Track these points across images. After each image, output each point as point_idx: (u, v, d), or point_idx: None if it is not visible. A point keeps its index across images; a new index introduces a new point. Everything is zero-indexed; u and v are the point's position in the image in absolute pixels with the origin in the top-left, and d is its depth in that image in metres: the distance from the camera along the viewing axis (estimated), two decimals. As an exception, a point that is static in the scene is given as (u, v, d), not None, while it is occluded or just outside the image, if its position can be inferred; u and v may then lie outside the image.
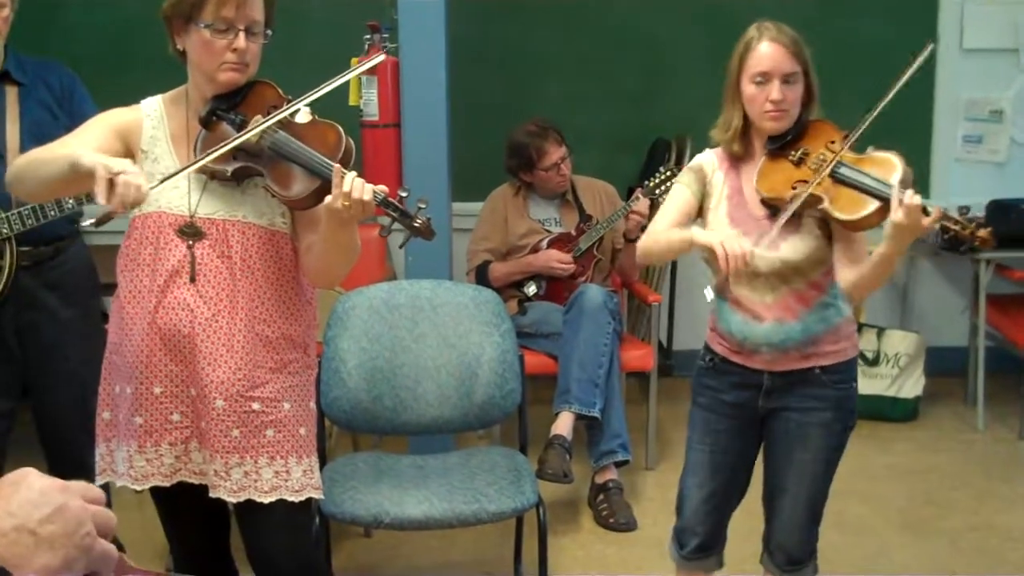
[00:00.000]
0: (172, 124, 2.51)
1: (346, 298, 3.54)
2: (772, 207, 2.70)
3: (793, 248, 2.68)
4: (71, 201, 3.22)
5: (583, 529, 4.21)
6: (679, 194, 2.84)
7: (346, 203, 2.25)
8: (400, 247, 2.59)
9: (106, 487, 3.38)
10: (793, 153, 2.70)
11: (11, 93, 3.30)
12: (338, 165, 2.31)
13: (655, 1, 5.56)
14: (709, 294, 2.74)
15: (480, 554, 3.97)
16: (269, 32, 2.48)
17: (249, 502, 2.49)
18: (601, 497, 4.27)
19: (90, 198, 3.21)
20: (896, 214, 2.47)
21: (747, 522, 3.05)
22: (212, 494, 2.50)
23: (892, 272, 2.66)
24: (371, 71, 4.47)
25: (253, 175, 2.45)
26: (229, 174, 2.41)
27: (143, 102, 2.56)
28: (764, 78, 2.68)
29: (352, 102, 4.61)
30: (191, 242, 2.42)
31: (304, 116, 2.45)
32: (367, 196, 2.27)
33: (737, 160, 2.81)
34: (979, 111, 5.83)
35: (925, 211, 2.49)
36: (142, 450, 2.49)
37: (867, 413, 5.28)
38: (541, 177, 4.76)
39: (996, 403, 5.34)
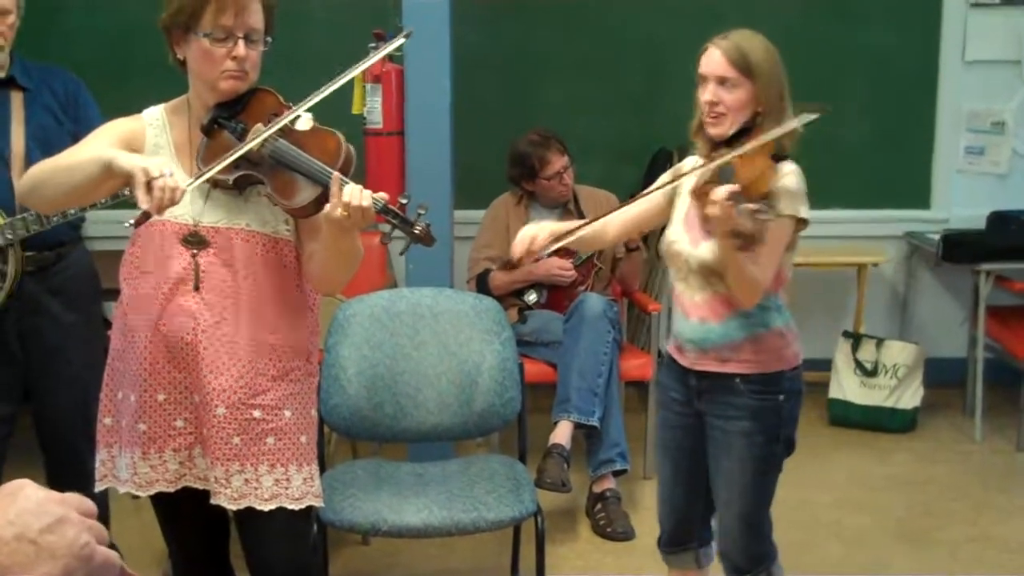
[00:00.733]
0: (174, 133, 2.52)
1: (347, 305, 3.55)
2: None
3: (709, 248, 2.72)
4: (74, 208, 3.23)
5: (581, 538, 4.22)
6: (652, 192, 2.94)
7: (345, 212, 2.27)
8: (400, 254, 2.60)
9: (105, 493, 3.40)
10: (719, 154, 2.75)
11: (16, 98, 3.31)
12: (337, 173, 2.32)
13: (658, 10, 5.57)
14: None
15: (478, 562, 3.97)
16: (269, 39, 2.48)
17: (249, 509, 2.50)
18: (599, 506, 4.27)
19: (93, 204, 3.23)
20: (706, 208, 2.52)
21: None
22: (213, 501, 2.51)
23: (732, 272, 2.63)
24: (375, 79, 4.49)
25: (255, 183, 2.45)
26: (231, 183, 2.42)
27: (145, 112, 2.57)
28: (702, 80, 2.78)
29: (356, 110, 4.62)
30: (195, 251, 2.43)
31: (305, 123, 2.45)
32: (366, 203, 2.28)
33: (706, 160, 2.84)
34: (981, 122, 5.83)
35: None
36: (146, 457, 2.49)
37: (865, 424, 5.31)
38: (543, 186, 4.77)
39: (994, 415, 5.35)
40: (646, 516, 4.29)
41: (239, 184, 2.44)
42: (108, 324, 5.21)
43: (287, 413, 2.53)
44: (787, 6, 5.58)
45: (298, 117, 2.43)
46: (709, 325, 2.80)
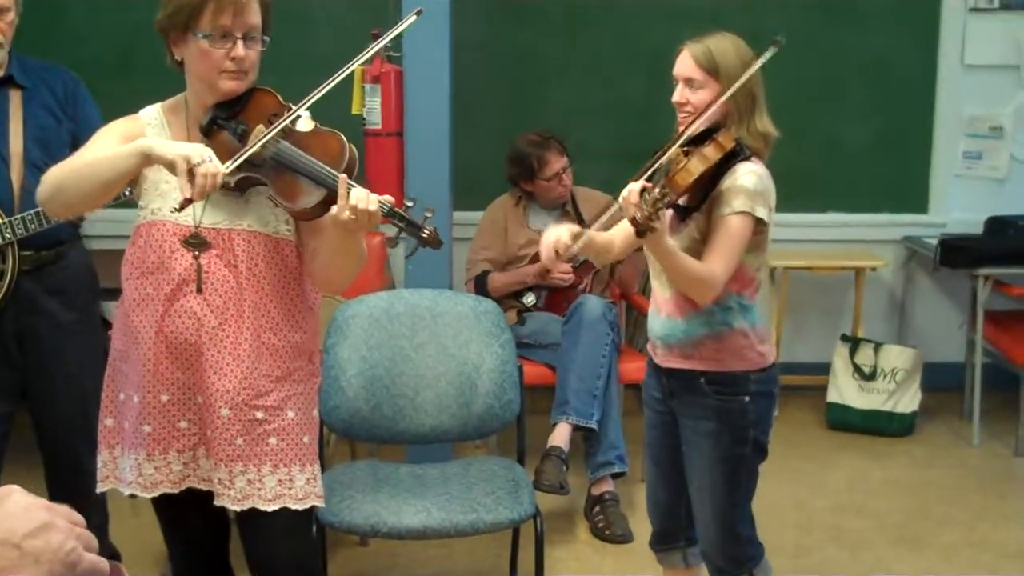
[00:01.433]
0: (173, 132, 2.51)
1: (346, 307, 3.54)
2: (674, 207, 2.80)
3: (674, 245, 2.72)
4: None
5: (579, 540, 4.21)
6: None
7: (352, 215, 2.28)
8: (407, 257, 2.60)
9: (104, 495, 3.39)
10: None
11: (15, 97, 3.30)
12: (343, 176, 2.32)
13: (660, 13, 5.57)
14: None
15: (476, 564, 3.97)
16: (267, 39, 2.47)
17: (252, 509, 2.49)
18: (597, 508, 4.27)
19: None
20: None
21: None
22: (217, 502, 2.50)
23: (672, 271, 2.70)
24: (375, 80, 4.48)
25: (256, 185, 2.45)
26: (232, 184, 2.41)
27: (142, 112, 2.56)
28: (675, 80, 2.85)
29: (355, 111, 4.61)
30: (197, 252, 2.42)
31: (306, 124, 2.45)
32: (373, 207, 2.29)
33: None
34: (979, 127, 5.84)
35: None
36: (151, 458, 2.49)
37: (863, 427, 5.31)
38: (542, 187, 4.77)
39: (992, 419, 5.35)
40: (644, 519, 4.24)
41: (241, 186, 2.43)
42: (107, 324, 5.22)
43: (290, 414, 2.52)
44: (788, 10, 5.58)
45: (299, 117, 2.43)
46: (674, 321, 2.86)
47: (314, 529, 2.94)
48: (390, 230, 2.44)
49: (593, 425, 4.23)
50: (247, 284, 2.45)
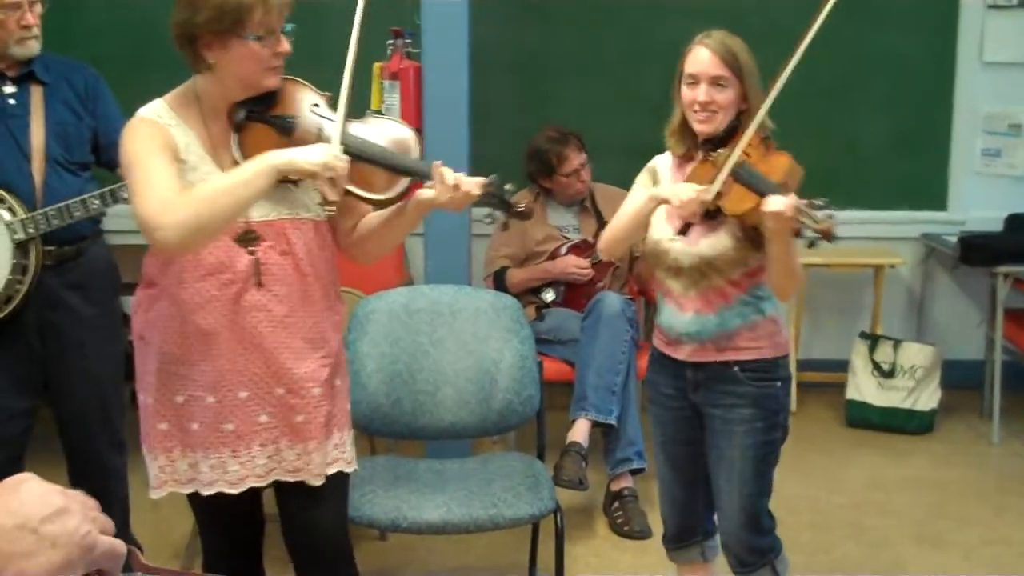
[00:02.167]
0: (193, 129, 2.47)
1: (366, 302, 3.55)
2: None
3: (710, 245, 2.79)
4: (96, 201, 3.24)
5: (598, 536, 4.21)
6: (636, 195, 3.00)
7: (452, 195, 2.38)
8: (503, 228, 2.72)
9: (126, 495, 3.41)
10: (719, 154, 2.80)
11: (36, 93, 3.32)
12: (438, 162, 2.41)
13: (676, 10, 5.55)
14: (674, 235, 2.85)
15: (495, 559, 3.97)
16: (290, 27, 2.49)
17: (300, 483, 2.56)
18: (616, 504, 4.27)
19: (115, 199, 3.24)
20: (767, 222, 2.59)
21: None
22: (312, 482, 2.55)
23: (787, 269, 2.71)
24: (393, 76, 4.49)
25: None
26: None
27: (149, 113, 2.45)
28: (693, 80, 2.82)
29: (374, 106, 4.63)
30: (251, 248, 2.43)
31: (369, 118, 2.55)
32: (476, 191, 2.42)
33: (684, 160, 2.95)
34: (998, 125, 5.81)
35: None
36: (236, 455, 2.50)
37: (883, 425, 5.30)
38: (561, 183, 4.77)
39: (1012, 417, 5.33)
40: (663, 515, 4.30)
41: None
42: (127, 319, 5.25)
43: (337, 381, 2.61)
44: (805, 7, 5.55)
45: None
46: (705, 317, 2.84)
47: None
48: (485, 210, 2.52)
49: (612, 421, 4.23)
50: (306, 269, 2.49)
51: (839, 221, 2.58)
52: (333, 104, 2.49)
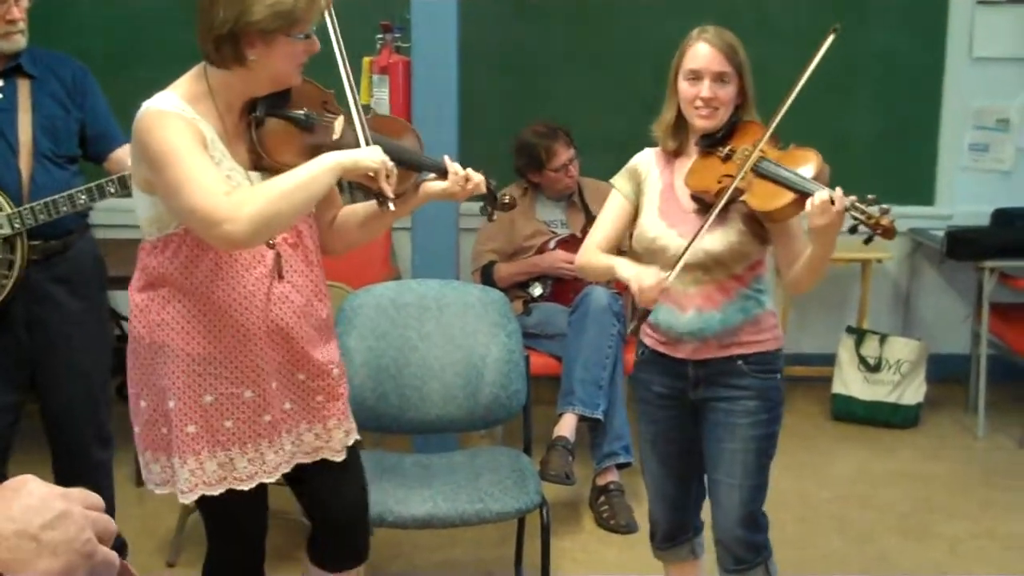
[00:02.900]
0: (212, 122, 2.44)
1: (353, 297, 3.55)
2: (700, 201, 2.80)
3: (716, 240, 2.75)
4: (83, 196, 3.23)
5: (584, 530, 4.23)
6: (614, 203, 2.98)
7: (463, 185, 2.55)
8: (491, 219, 2.80)
9: (112, 493, 3.40)
10: (721, 150, 2.80)
11: (24, 86, 3.31)
12: (446, 156, 2.52)
13: (666, 6, 5.56)
14: (631, 326, 2.90)
15: (481, 554, 3.98)
16: None
17: (323, 460, 2.67)
18: (602, 499, 4.28)
19: (103, 194, 3.24)
20: (817, 219, 2.56)
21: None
22: (332, 457, 2.67)
23: (821, 267, 2.71)
24: (382, 71, 4.49)
25: None
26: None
27: (175, 107, 2.38)
28: (695, 75, 2.79)
29: (363, 101, 4.62)
30: (271, 241, 2.47)
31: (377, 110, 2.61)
32: (484, 187, 2.61)
33: (672, 156, 2.92)
34: (986, 120, 5.83)
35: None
36: (272, 445, 2.53)
37: (868, 419, 5.32)
38: (549, 178, 4.78)
39: (997, 411, 5.36)
40: (649, 509, 4.31)
41: None
42: (115, 313, 5.24)
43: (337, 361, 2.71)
44: (796, 2, 5.57)
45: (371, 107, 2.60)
46: (708, 313, 2.81)
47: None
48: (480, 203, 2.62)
49: (599, 415, 4.24)
50: (314, 260, 2.59)
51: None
52: (337, 101, 2.58)
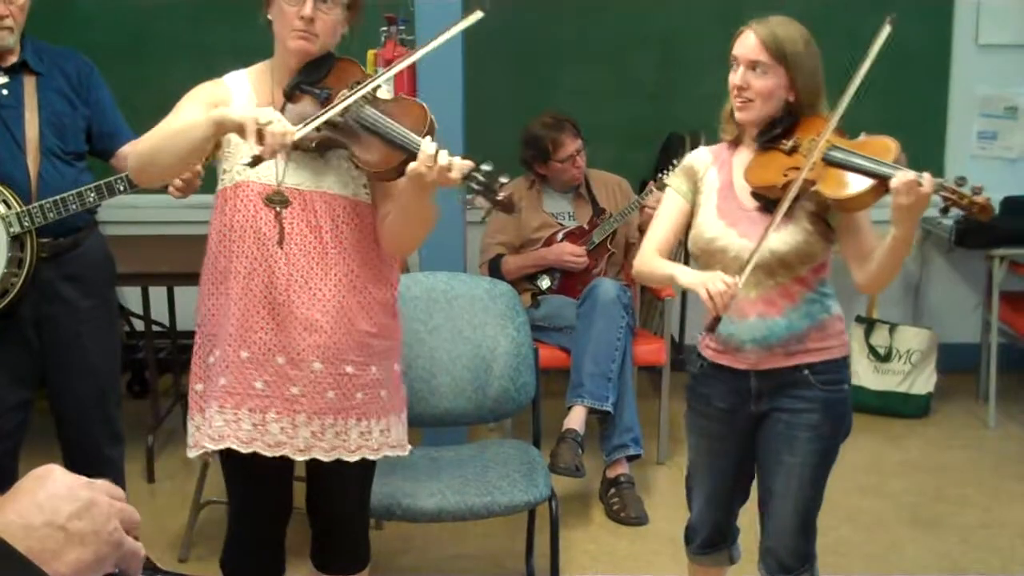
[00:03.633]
0: (260, 99, 2.60)
1: (361, 290, 3.55)
2: (763, 198, 2.68)
3: (782, 240, 2.64)
4: (92, 194, 3.23)
5: (594, 523, 4.22)
6: (671, 203, 2.85)
7: (428, 169, 2.35)
8: (482, 220, 2.68)
9: (123, 480, 3.40)
10: (784, 143, 2.68)
11: (29, 83, 3.30)
12: (427, 138, 2.40)
13: (671, -4, 5.57)
14: (703, 333, 2.77)
15: (491, 547, 3.98)
16: (351, 7, 2.59)
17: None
18: (612, 491, 4.28)
19: (111, 191, 3.24)
20: (901, 197, 2.46)
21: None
22: (300, 457, 2.60)
23: (906, 255, 2.60)
24: (387, 64, 4.47)
25: (336, 147, 2.54)
26: (313, 145, 2.51)
27: (227, 76, 2.65)
28: (734, 63, 2.71)
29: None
30: (278, 209, 2.51)
31: (387, 93, 2.58)
32: (454, 173, 2.36)
33: (729, 151, 2.82)
34: (994, 107, 5.81)
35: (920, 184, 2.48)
36: (222, 410, 2.56)
37: (879, 409, 5.31)
38: (556, 169, 4.76)
39: (1008, 400, 5.35)
40: (660, 501, 4.31)
41: (321, 147, 2.53)
42: (123, 310, 5.24)
43: (373, 369, 2.63)
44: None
45: (379, 86, 2.53)
46: (772, 320, 2.69)
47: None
48: (468, 195, 2.48)
49: (608, 408, 4.24)
50: (330, 244, 2.55)
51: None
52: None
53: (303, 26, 2.49)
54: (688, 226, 2.85)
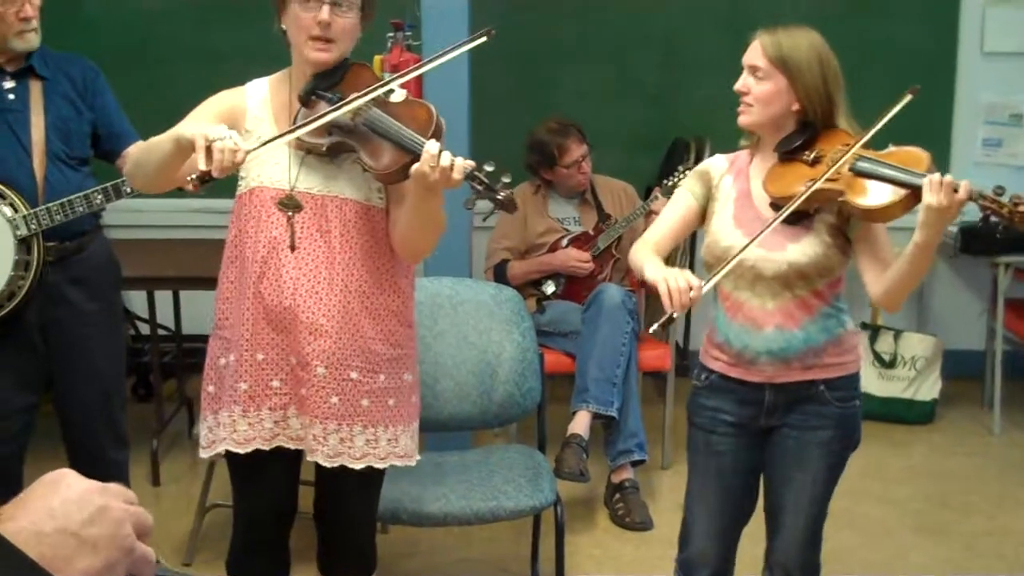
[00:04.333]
0: (275, 104, 2.63)
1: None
2: (782, 208, 2.63)
3: (801, 251, 2.63)
4: (99, 196, 3.24)
5: (599, 528, 4.22)
6: (681, 199, 2.82)
7: (432, 165, 2.33)
8: (484, 220, 2.67)
9: (127, 484, 3.39)
10: (807, 154, 2.66)
11: (35, 88, 3.31)
12: (430, 140, 2.39)
13: (677, 1, 5.56)
14: (653, 328, 2.61)
15: (496, 552, 3.98)
16: (364, 11, 2.58)
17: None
18: (617, 496, 4.28)
19: (118, 194, 3.25)
20: (931, 197, 2.43)
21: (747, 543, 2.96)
22: (309, 458, 2.62)
23: (927, 267, 2.57)
24: (393, 69, 4.48)
25: (347, 151, 2.54)
26: (324, 149, 2.53)
27: (248, 84, 2.67)
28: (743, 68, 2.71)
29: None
30: (291, 213, 2.53)
31: (399, 96, 2.55)
32: (456, 174, 2.35)
33: (747, 160, 2.78)
34: (999, 115, 5.81)
35: (955, 190, 2.45)
36: (246, 414, 2.58)
37: (883, 415, 5.30)
38: (562, 174, 4.77)
39: (1013, 407, 5.34)
40: (664, 506, 4.30)
41: (332, 151, 2.55)
42: (129, 314, 5.24)
43: (381, 376, 2.63)
44: (802, -3, 5.57)
45: (392, 91, 2.52)
46: (790, 332, 2.66)
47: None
48: (470, 195, 2.47)
49: (613, 413, 4.24)
50: (340, 249, 2.55)
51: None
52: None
53: (320, 32, 2.48)
54: (691, 229, 2.85)
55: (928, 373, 5.32)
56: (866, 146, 2.64)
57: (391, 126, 2.48)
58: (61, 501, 1.06)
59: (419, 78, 4.44)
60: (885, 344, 5.38)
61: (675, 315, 2.48)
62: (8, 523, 1.03)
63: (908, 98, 2.66)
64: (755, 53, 2.67)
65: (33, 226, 3.20)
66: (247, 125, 2.60)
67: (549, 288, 4.75)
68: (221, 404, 2.62)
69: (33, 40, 3.25)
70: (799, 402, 2.71)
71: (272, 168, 2.55)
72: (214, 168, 2.30)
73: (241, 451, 2.58)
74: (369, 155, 2.48)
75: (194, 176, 2.31)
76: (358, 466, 2.61)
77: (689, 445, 2.89)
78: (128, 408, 3.61)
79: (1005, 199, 2.45)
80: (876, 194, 2.55)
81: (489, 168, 2.40)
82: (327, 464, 2.60)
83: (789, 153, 2.68)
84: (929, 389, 5.32)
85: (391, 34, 4.59)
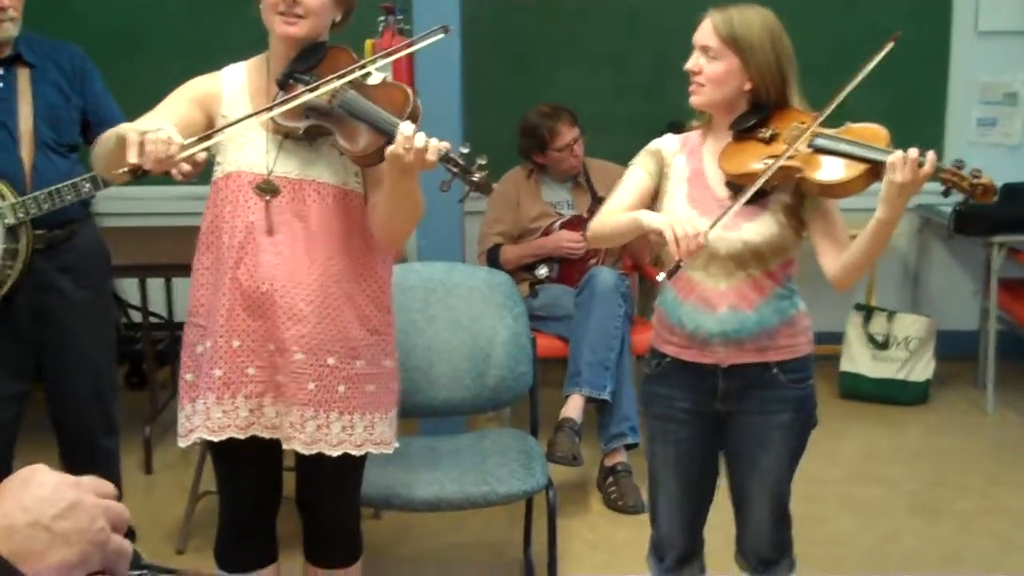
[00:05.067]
0: (252, 88, 2.62)
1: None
2: (738, 186, 2.60)
3: (756, 230, 2.60)
4: (87, 185, 3.23)
5: (592, 511, 4.23)
6: (634, 176, 2.77)
7: (407, 147, 2.30)
8: (459, 201, 2.65)
9: (118, 474, 3.41)
10: (763, 132, 2.63)
11: (23, 75, 3.30)
12: (406, 122, 2.36)
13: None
14: (661, 276, 2.56)
15: (489, 536, 3.98)
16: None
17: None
18: (610, 480, 4.28)
19: (107, 183, 3.24)
20: (897, 173, 2.42)
21: (717, 515, 2.96)
22: (286, 446, 2.60)
23: (886, 245, 2.54)
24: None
25: (324, 134, 2.53)
26: (301, 132, 2.52)
27: (225, 68, 2.65)
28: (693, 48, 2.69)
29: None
30: (268, 198, 2.52)
31: (376, 79, 2.56)
32: (430, 155, 2.32)
33: (698, 141, 2.76)
34: (993, 94, 5.80)
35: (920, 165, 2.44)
36: (220, 402, 2.56)
37: (877, 397, 5.31)
38: (554, 158, 4.76)
39: (1006, 387, 5.35)
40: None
41: (309, 134, 2.53)
42: (121, 302, 5.24)
43: (359, 363, 2.61)
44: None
45: (369, 73, 2.53)
46: (744, 313, 2.63)
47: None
48: (446, 177, 2.44)
49: (606, 397, 4.23)
50: (318, 233, 2.54)
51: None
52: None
53: (285, 8, 2.48)
54: (645, 206, 2.74)
55: (922, 354, 5.32)
56: (824, 124, 2.61)
57: (367, 108, 2.46)
58: (33, 497, 1.06)
59: (411, 65, 4.44)
60: (879, 325, 5.38)
61: (682, 263, 2.46)
62: None
63: (890, 46, 2.63)
64: (706, 32, 2.65)
65: (21, 214, 3.19)
66: (223, 110, 2.58)
67: (542, 272, 4.73)
68: (198, 392, 2.60)
69: (10, 29, 3.22)
70: (753, 387, 2.70)
71: (250, 153, 2.54)
72: (146, 160, 2.26)
73: (215, 439, 2.56)
74: (346, 138, 2.47)
75: (124, 169, 2.29)
76: (334, 453, 2.59)
77: (649, 435, 2.90)
78: (121, 396, 3.61)
79: (965, 172, 2.43)
80: (834, 170, 2.54)
81: (464, 150, 2.37)
82: (305, 452, 2.59)
83: (744, 131, 2.66)
84: (923, 370, 5.32)
85: (382, 18, 4.58)
